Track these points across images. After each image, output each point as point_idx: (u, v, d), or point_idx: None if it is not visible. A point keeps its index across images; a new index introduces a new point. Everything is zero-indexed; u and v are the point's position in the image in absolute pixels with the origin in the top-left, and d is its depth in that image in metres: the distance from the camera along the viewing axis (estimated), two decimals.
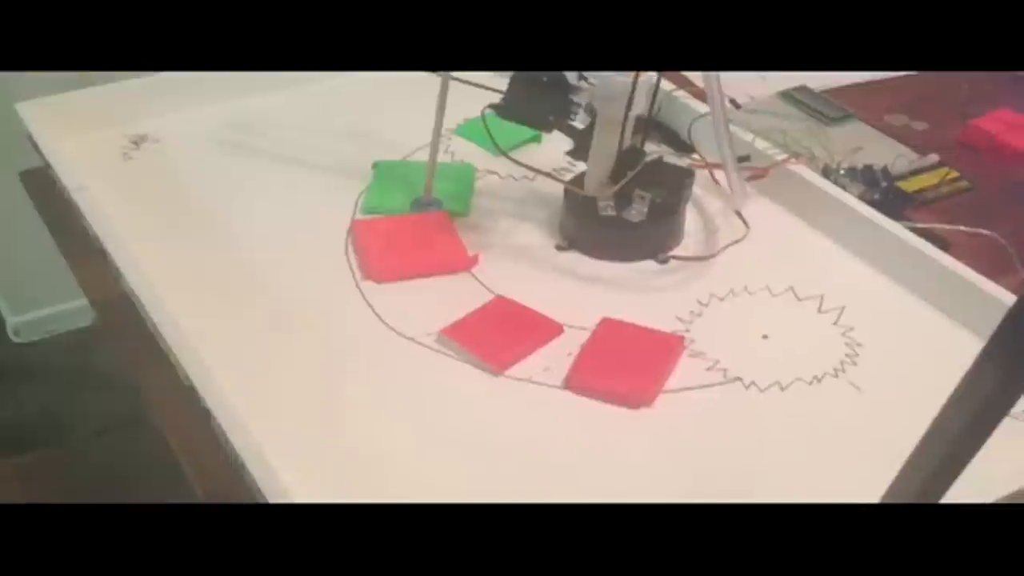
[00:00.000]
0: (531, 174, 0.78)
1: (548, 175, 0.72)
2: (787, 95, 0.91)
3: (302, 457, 0.55)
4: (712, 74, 0.67)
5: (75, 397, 1.54)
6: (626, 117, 0.65)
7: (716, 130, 0.68)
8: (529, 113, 0.68)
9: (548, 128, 0.69)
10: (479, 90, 0.69)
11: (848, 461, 0.56)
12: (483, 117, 0.68)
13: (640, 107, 0.66)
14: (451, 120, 0.84)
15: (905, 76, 0.94)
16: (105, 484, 0.99)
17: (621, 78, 0.64)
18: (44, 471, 1.03)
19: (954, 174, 0.80)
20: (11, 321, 1.64)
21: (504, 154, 0.71)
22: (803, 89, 0.91)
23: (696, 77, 0.87)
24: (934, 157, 0.82)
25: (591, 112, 0.81)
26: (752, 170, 0.74)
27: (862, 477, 0.54)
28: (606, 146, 0.67)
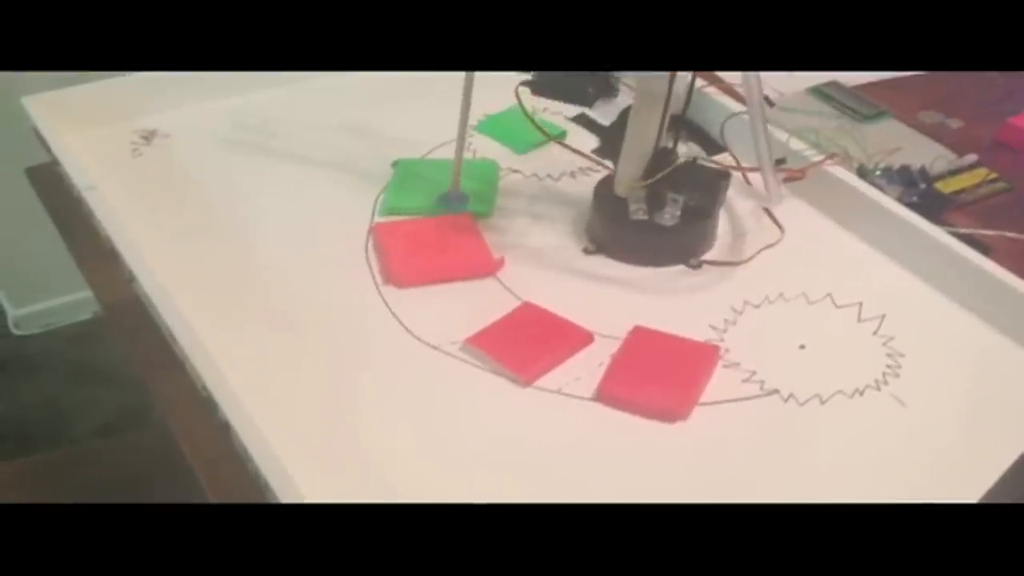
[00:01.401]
0: (555, 173, 0.76)
1: (599, 161, 0.67)
2: (818, 91, 0.88)
3: (322, 468, 0.53)
4: (752, 74, 0.64)
5: (77, 391, 1.52)
6: (663, 118, 0.62)
7: (754, 132, 0.66)
8: (566, 88, 0.64)
9: (590, 102, 0.65)
10: (502, 86, 0.66)
11: (894, 478, 0.54)
12: (516, 94, 0.65)
13: (675, 106, 0.63)
14: (473, 116, 0.81)
15: (937, 71, 0.91)
16: (111, 484, 0.97)
17: (657, 75, 0.61)
18: (48, 469, 1.01)
19: (993, 175, 0.78)
20: (12, 313, 1.62)
21: (556, 140, 0.67)
22: (834, 85, 0.88)
23: (726, 73, 0.85)
24: (972, 157, 0.79)
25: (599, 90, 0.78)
26: (788, 171, 0.72)
27: (909, 494, 0.53)
28: (639, 146, 0.64)
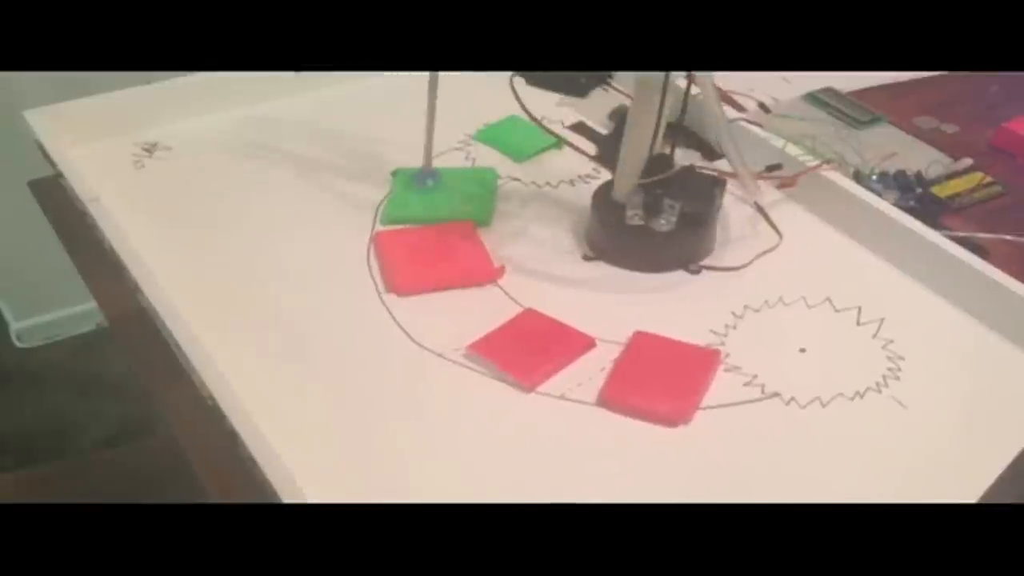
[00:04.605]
0: (554, 181, 0.76)
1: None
2: (813, 97, 0.89)
3: (327, 474, 0.53)
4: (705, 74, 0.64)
5: (80, 404, 1.52)
6: (659, 117, 0.62)
7: (716, 128, 0.65)
8: (559, 78, 0.65)
9: (583, 92, 0.66)
10: (499, 95, 0.67)
11: (894, 480, 0.54)
12: (511, 83, 0.65)
13: (671, 114, 0.64)
14: (471, 125, 0.82)
15: (932, 76, 0.92)
16: (113, 495, 0.97)
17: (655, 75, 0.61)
18: (49, 481, 1.01)
19: (988, 178, 0.78)
20: (14, 326, 1.62)
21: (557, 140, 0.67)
22: (829, 91, 0.89)
23: (722, 81, 0.85)
24: (967, 161, 0.80)
25: (616, 119, 0.79)
26: (780, 179, 0.72)
27: (909, 496, 0.53)
28: (637, 149, 0.65)
